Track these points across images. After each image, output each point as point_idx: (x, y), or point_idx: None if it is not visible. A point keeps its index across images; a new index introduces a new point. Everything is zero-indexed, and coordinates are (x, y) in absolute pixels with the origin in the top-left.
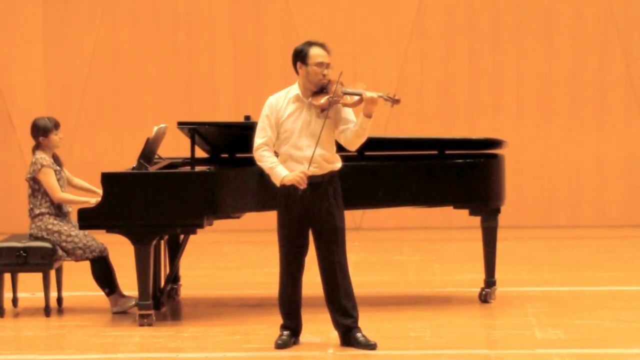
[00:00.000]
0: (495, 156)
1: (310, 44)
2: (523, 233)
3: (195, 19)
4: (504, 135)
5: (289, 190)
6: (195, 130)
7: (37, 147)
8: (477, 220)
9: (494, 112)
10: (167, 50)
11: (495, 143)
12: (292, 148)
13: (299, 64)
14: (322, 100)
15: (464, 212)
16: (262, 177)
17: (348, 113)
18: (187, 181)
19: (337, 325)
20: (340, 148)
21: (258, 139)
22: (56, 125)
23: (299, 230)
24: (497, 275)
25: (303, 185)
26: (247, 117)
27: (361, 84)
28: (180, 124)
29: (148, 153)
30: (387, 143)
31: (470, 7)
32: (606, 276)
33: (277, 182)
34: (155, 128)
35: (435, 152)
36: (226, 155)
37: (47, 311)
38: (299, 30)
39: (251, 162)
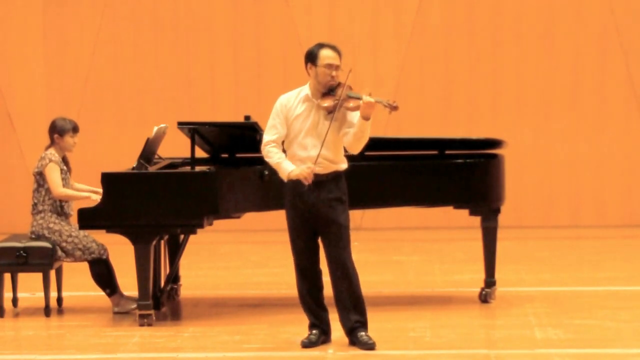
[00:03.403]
0: (495, 156)
1: (321, 45)
2: (523, 233)
3: (195, 19)
4: (504, 135)
5: (294, 185)
6: (195, 130)
7: (49, 146)
8: (477, 220)
9: (494, 112)
10: (167, 50)
11: (495, 143)
12: (298, 148)
13: (309, 65)
14: (329, 102)
15: (464, 212)
16: (262, 177)
17: (353, 117)
18: (187, 181)
19: (342, 324)
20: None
21: (267, 136)
22: (74, 129)
23: (304, 228)
24: (497, 275)
25: (309, 180)
26: (247, 117)
27: (367, 89)
28: (180, 124)
29: (148, 153)
30: (387, 143)
31: (470, 7)
32: (606, 276)
33: (284, 177)
34: (155, 128)
35: (435, 152)
36: (226, 155)
37: (47, 311)
38: (299, 30)
39: (251, 162)
